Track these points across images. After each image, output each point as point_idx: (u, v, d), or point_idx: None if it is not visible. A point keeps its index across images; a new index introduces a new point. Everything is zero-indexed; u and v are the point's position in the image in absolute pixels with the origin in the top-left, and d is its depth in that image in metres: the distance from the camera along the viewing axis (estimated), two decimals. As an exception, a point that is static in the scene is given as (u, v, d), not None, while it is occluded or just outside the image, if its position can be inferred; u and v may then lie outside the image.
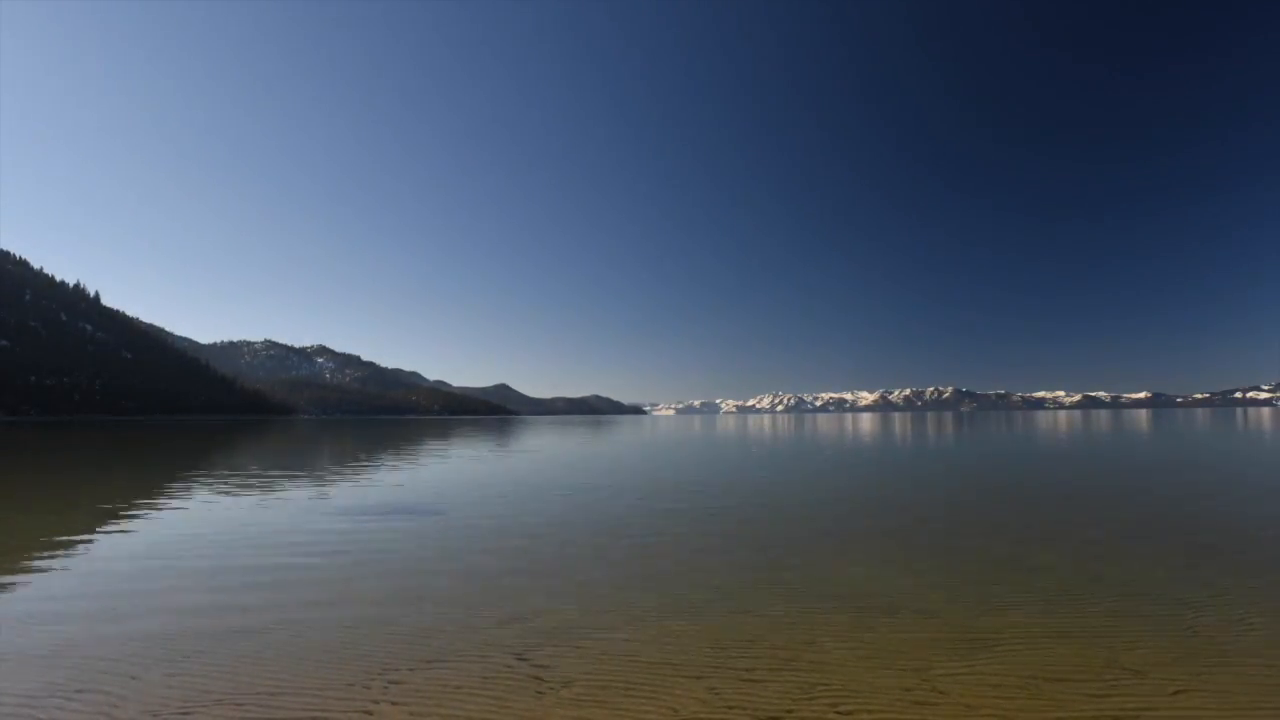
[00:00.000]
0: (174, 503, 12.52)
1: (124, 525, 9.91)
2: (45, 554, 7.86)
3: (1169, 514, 10.55)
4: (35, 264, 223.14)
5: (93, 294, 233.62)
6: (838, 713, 3.62)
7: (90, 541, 8.66)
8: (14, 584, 6.47)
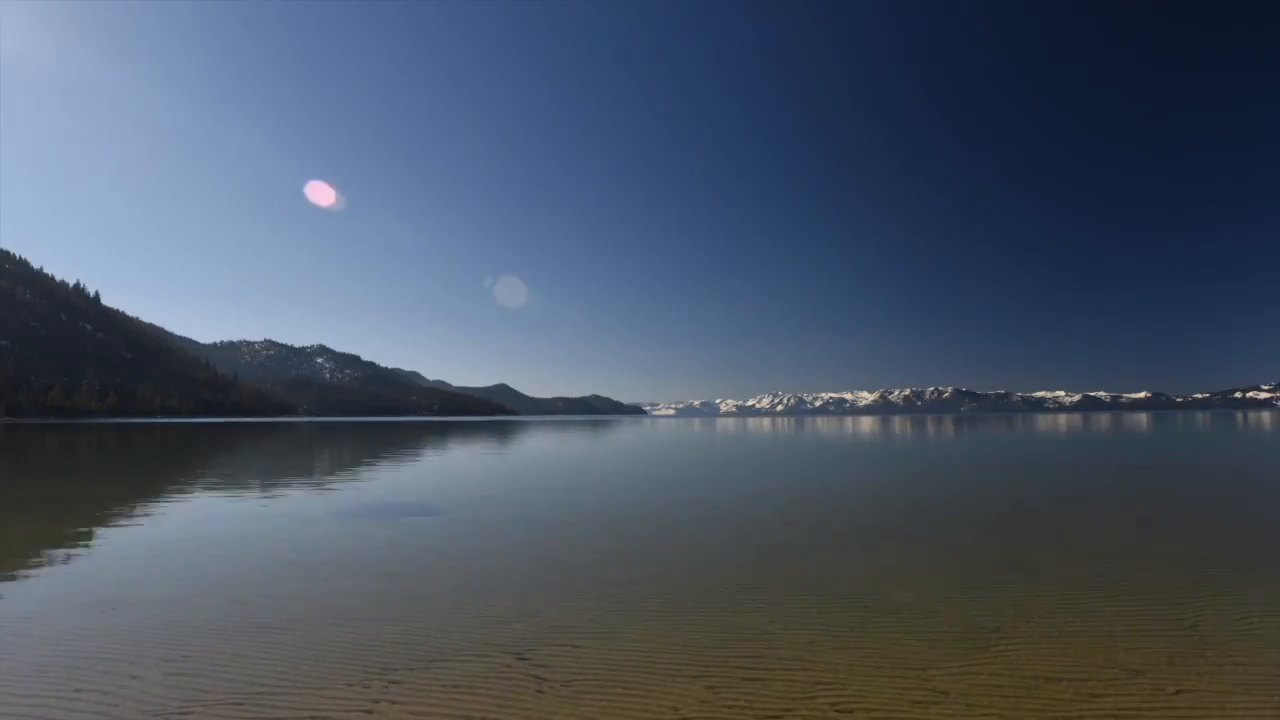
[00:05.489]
0: (173, 504, 12.52)
1: (123, 526, 9.91)
2: (44, 555, 7.85)
3: (1168, 515, 10.56)
4: (35, 264, 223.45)
5: (93, 294, 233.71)
6: (837, 712, 3.61)
7: (90, 543, 8.66)
8: (14, 584, 6.47)
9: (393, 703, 3.74)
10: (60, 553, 7.91)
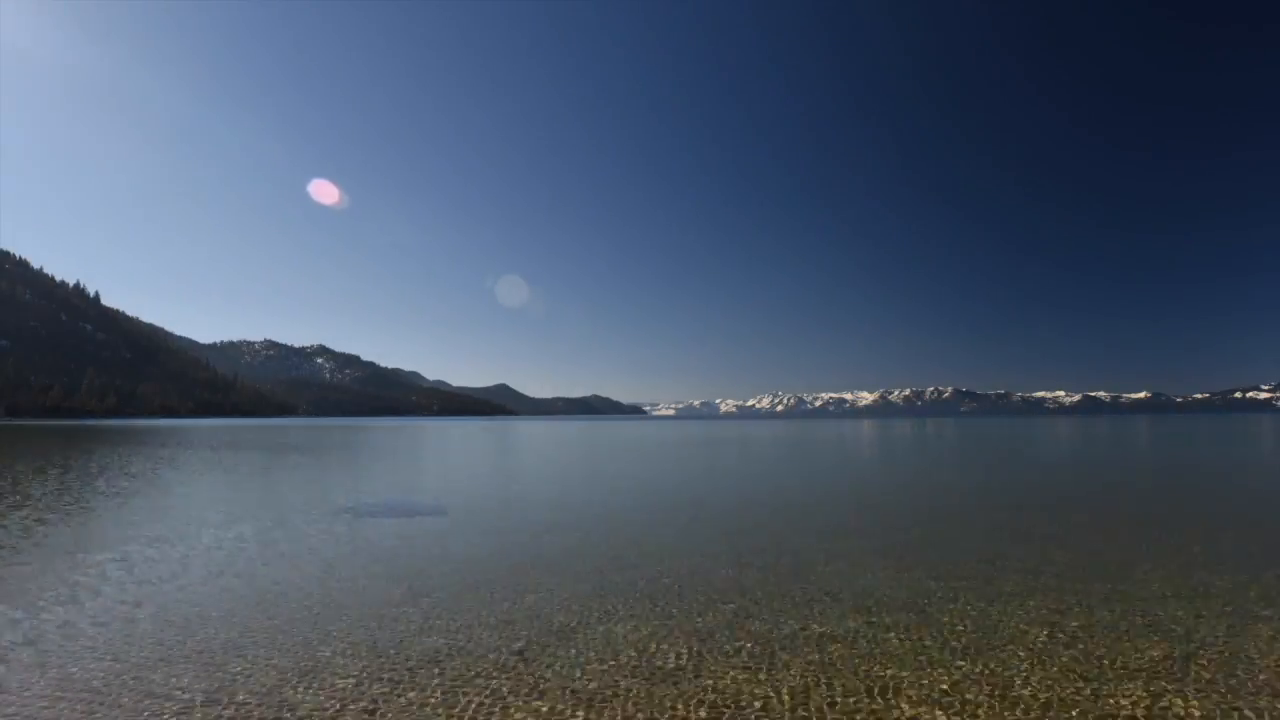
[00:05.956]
0: (173, 504, 12.55)
1: (123, 525, 9.94)
2: (45, 554, 7.88)
3: (1169, 517, 10.61)
4: (35, 264, 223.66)
5: (93, 294, 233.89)
6: (837, 712, 3.65)
7: (90, 542, 8.68)
8: (14, 584, 6.49)
9: (393, 702, 3.77)
10: (61, 553, 7.93)
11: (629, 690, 3.94)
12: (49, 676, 4.16)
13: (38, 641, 4.81)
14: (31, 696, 3.89)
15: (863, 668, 4.26)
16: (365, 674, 4.20)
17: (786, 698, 3.79)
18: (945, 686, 3.94)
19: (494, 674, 4.18)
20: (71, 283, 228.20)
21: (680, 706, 3.69)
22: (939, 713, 3.60)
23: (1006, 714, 3.59)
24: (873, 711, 3.65)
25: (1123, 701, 3.73)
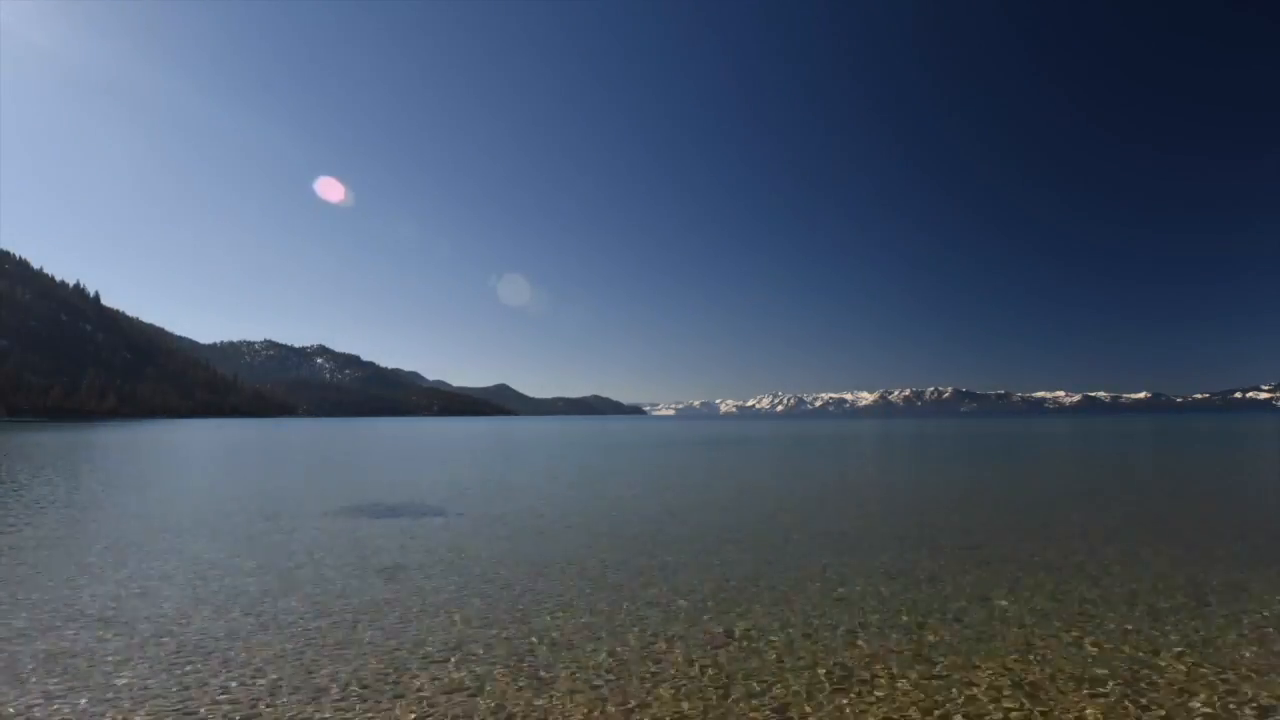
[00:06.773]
0: (172, 503, 12.55)
1: (124, 523, 9.95)
2: (48, 552, 7.88)
3: (1171, 516, 10.62)
4: (35, 264, 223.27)
5: (93, 294, 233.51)
6: (837, 711, 3.68)
7: (91, 541, 8.69)
8: (15, 583, 6.50)
9: (395, 703, 3.80)
10: (62, 552, 7.94)
11: (631, 692, 4.20)
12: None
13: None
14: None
15: (864, 669, 4.35)
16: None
17: (788, 700, 4.10)
18: (947, 687, 4.20)
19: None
20: (71, 283, 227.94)
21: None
22: (942, 714, 3.73)
23: (1007, 714, 3.76)
24: (872, 713, 3.95)
25: (1129, 701, 3.73)
